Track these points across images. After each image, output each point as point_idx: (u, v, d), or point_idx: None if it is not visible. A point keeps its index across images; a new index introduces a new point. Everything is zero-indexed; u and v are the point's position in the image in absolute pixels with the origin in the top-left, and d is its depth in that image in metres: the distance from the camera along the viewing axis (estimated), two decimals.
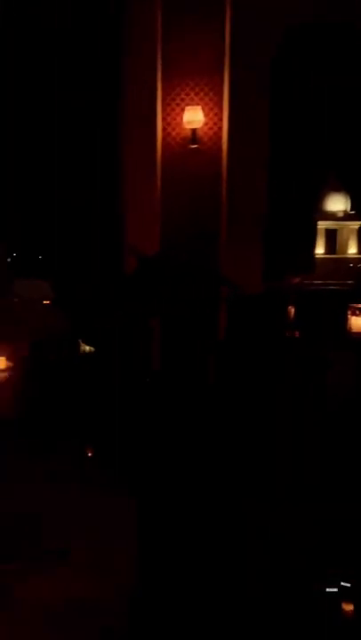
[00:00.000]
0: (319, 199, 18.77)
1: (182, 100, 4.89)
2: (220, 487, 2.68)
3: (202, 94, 4.87)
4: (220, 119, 4.91)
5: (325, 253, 18.69)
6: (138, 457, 3.03)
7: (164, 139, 4.88)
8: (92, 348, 4.06)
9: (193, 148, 4.86)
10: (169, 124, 4.88)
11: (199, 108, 4.82)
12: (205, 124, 4.88)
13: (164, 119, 4.88)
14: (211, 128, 4.92)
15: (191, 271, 4.00)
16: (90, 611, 1.92)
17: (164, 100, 4.86)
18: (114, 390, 3.66)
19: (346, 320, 3.71)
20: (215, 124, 4.91)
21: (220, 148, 4.90)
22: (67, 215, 5.01)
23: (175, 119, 4.88)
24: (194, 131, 4.83)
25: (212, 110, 4.91)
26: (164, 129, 4.88)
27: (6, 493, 2.24)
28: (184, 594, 1.88)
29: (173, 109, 4.87)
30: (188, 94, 4.89)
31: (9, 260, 4.06)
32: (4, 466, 2.25)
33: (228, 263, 4.72)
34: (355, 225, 19.39)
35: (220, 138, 4.90)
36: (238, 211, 4.92)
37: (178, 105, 4.88)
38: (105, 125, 5.10)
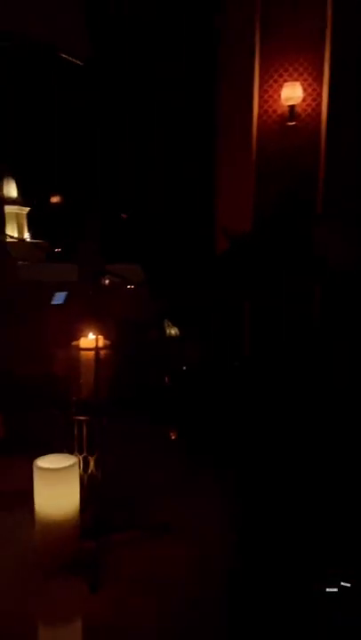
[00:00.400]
0: None
1: (280, 75, 4.75)
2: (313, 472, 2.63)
3: (301, 69, 4.70)
4: (320, 95, 4.72)
5: None
6: (228, 441, 3.03)
7: (260, 116, 4.77)
8: (178, 332, 4.08)
9: (290, 126, 4.72)
10: (266, 101, 4.76)
11: (298, 83, 4.67)
12: (304, 100, 4.72)
13: (261, 96, 4.76)
14: (309, 104, 4.75)
15: (285, 252, 3.91)
16: (191, 580, 1.99)
17: (261, 76, 4.75)
18: (202, 373, 3.66)
19: None
20: (314, 100, 4.74)
21: (318, 125, 4.73)
22: (156, 196, 5.01)
23: (272, 96, 4.75)
24: (292, 107, 4.69)
25: (311, 86, 4.73)
26: (260, 106, 4.77)
27: (111, 472, 2.34)
28: (279, 569, 1.88)
29: (271, 86, 4.74)
30: (286, 70, 4.74)
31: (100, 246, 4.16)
32: (106, 447, 2.33)
33: (324, 244, 4.56)
34: None
35: (319, 114, 4.72)
36: (336, 190, 4.73)
37: (276, 81, 4.74)
38: (198, 102, 5.03)
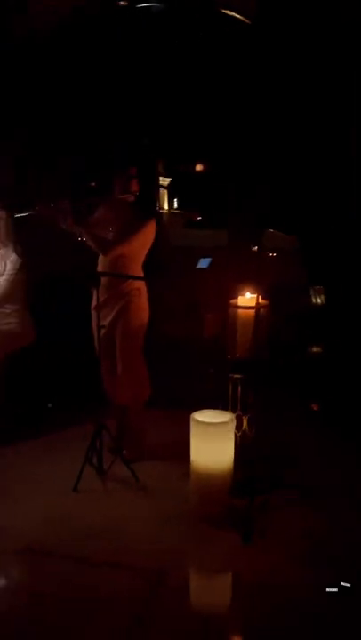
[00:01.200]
0: None
1: None
2: None
3: None
4: None
5: None
6: None
7: None
8: (324, 300, 3.90)
9: None
10: None
11: None
12: None
13: None
14: None
15: None
16: (324, 545, 1.96)
17: None
18: (350, 345, 3.49)
19: None
20: None
21: None
22: (310, 159, 4.71)
23: None
24: None
25: None
26: None
27: (262, 433, 2.35)
28: None
29: None
30: None
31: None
32: (260, 407, 2.33)
33: None
34: None
35: None
36: None
37: None
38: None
